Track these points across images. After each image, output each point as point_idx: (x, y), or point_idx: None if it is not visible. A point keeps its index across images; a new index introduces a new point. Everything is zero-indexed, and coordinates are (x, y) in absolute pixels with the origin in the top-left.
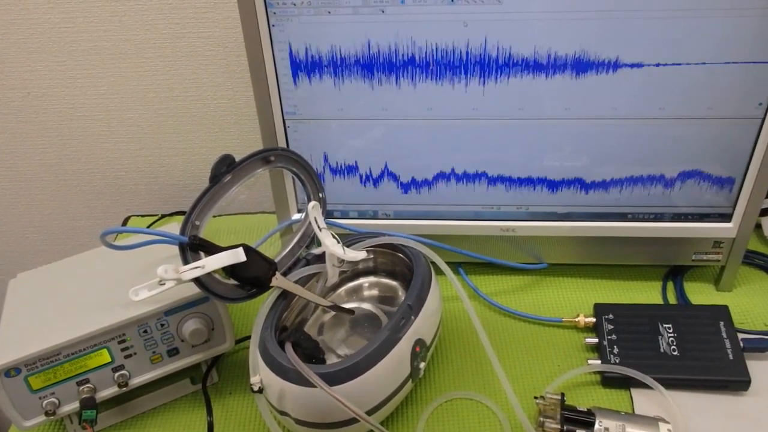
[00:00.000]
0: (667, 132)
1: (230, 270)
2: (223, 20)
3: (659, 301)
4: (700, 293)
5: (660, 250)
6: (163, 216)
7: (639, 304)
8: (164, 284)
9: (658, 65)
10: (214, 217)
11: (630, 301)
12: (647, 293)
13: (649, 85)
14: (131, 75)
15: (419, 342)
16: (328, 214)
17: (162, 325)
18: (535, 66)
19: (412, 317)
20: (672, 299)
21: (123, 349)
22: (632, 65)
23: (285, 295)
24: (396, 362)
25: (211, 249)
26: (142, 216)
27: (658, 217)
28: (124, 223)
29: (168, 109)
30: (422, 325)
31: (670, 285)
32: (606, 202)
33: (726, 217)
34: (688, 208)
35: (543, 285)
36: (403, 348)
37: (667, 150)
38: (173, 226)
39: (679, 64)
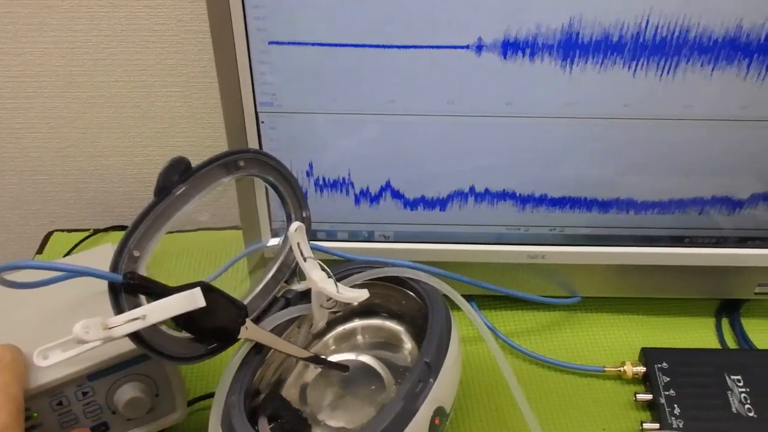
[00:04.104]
0: (754, 137)
1: (183, 319)
2: None
3: (715, 343)
4: (762, 333)
5: (718, 280)
6: (96, 231)
7: (696, 350)
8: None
9: None
10: None
11: (680, 342)
12: (698, 333)
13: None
14: (55, 52)
15: (439, 411)
16: (311, 236)
17: (84, 393)
18: (595, 46)
19: (431, 379)
20: (730, 341)
21: (28, 429)
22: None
23: (259, 349)
24: None
25: (156, 290)
26: (69, 231)
27: (720, 242)
28: (46, 239)
29: (103, 97)
30: (443, 389)
31: (725, 323)
32: (660, 223)
33: None
34: (759, 231)
35: (575, 323)
36: (420, 422)
37: (751, 159)
38: (106, 249)
39: None
